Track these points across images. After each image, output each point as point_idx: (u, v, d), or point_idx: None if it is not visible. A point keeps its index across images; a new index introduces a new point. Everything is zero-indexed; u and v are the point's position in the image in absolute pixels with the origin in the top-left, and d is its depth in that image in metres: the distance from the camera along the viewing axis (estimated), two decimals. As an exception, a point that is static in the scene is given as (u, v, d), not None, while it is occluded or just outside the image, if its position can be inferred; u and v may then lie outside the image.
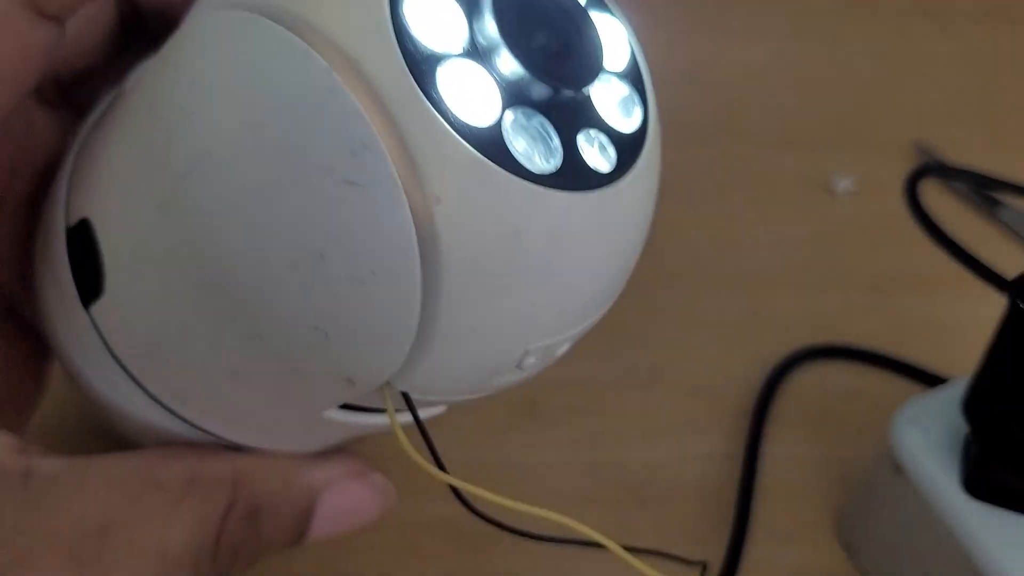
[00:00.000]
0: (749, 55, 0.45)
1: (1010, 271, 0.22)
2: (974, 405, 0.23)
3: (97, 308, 0.18)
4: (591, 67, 0.16)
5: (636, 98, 0.17)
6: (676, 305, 0.34)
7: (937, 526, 0.24)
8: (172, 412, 0.19)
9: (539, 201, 0.15)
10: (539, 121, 0.15)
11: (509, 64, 0.15)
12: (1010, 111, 0.43)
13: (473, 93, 0.15)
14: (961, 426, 0.24)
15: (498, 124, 0.15)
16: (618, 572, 0.28)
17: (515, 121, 0.15)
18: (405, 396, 0.17)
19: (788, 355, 0.33)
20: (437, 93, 0.14)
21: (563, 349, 0.18)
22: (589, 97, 0.16)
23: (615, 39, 0.17)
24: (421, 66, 0.14)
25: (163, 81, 0.16)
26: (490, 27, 0.15)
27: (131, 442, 0.21)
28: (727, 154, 0.40)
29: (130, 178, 0.17)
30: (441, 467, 0.17)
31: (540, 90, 0.15)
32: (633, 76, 0.17)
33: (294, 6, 0.14)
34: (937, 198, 0.36)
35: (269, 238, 0.15)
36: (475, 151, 0.14)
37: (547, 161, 0.15)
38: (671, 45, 0.45)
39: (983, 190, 0.37)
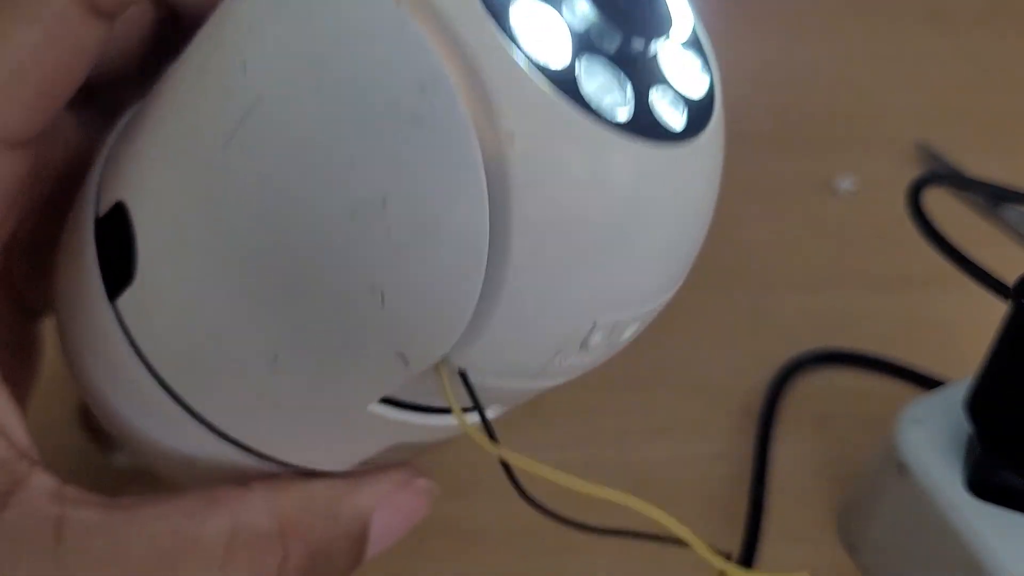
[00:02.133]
0: (750, 55, 0.45)
1: (1013, 270, 0.22)
2: (977, 405, 0.23)
3: (124, 299, 0.17)
4: (660, 21, 0.15)
5: (702, 65, 0.16)
6: (677, 304, 0.34)
7: (940, 526, 0.24)
8: (200, 419, 0.18)
9: (616, 148, 0.14)
10: (611, 70, 0.14)
11: (582, 8, 0.14)
12: (1010, 111, 0.43)
13: (546, 33, 0.14)
14: (964, 426, 0.24)
15: (571, 67, 0.14)
16: (631, 571, 0.28)
17: (588, 67, 0.14)
18: (462, 375, 0.15)
19: (792, 359, 0.33)
20: (510, 30, 0.14)
21: (630, 332, 0.17)
22: (657, 57, 0.15)
23: (679, 8, 0.16)
24: (493, 4, 0.14)
25: (210, 36, 0.16)
26: None
27: (143, 461, 0.20)
28: (729, 155, 0.40)
29: (174, 145, 0.16)
30: (493, 438, 0.16)
31: (611, 40, 0.14)
32: (696, 46, 0.16)
33: None
34: (939, 196, 0.36)
35: (327, 185, 0.14)
36: (551, 89, 0.14)
37: (620, 110, 0.14)
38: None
39: (987, 196, 0.37)
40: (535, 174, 0.14)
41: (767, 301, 0.35)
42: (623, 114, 0.14)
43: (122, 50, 0.20)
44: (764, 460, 0.30)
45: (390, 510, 0.19)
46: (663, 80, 0.15)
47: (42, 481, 0.16)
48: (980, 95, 0.43)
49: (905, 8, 0.47)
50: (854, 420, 0.32)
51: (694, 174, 0.16)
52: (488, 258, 0.14)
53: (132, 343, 0.17)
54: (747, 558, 0.28)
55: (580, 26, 0.14)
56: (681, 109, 0.15)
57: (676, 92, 0.15)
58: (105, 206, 0.18)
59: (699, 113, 0.16)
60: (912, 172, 0.37)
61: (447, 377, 0.15)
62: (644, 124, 0.15)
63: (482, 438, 0.16)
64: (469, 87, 0.13)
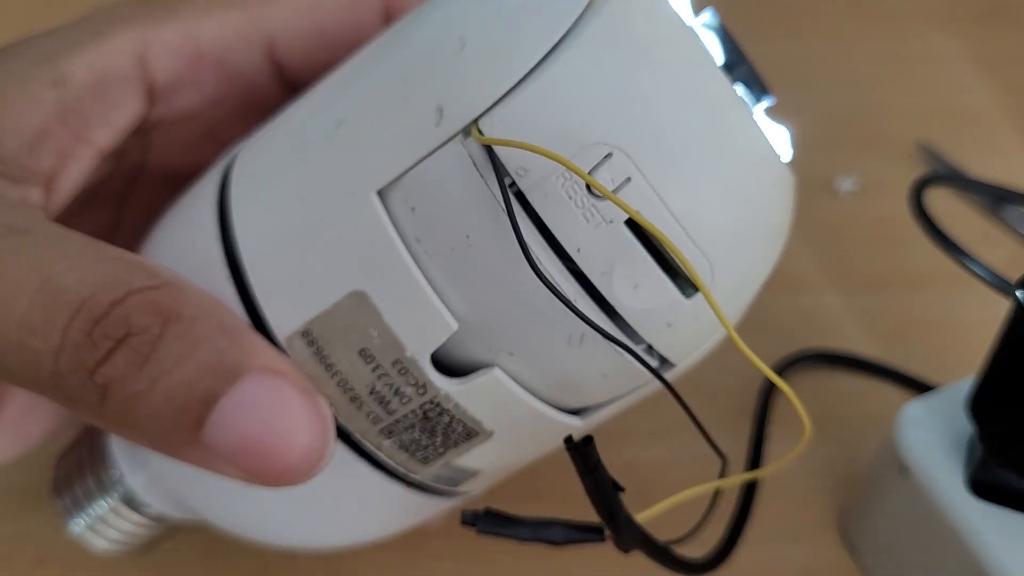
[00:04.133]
0: (749, 55, 0.45)
1: (1015, 269, 0.22)
2: (979, 405, 0.23)
3: None
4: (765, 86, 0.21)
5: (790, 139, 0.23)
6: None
7: (941, 527, 0.24)
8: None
9: (698, 52, 0.20)
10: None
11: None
12: (1010, 111, 0.43)
13: None
14: (966, 426, 0.24)
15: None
16: (618, 570, 0.28)
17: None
18: (490, 151, 0.17)
19: (784, 358, 0.32)
20: None
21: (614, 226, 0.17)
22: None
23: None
24: None
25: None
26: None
27: None
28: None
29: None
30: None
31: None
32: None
33: None
34: (941, 196, 0.36)
35: None
36: None
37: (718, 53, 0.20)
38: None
39: (988, 196, 0.37)
40: (624, 8, 0.17)
41: (766, 301, 0.35)
42: (719, 56, 0.20)
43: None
44: (758, 460, 0.30)
45: (271, 392, 0.14)
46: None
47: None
48: (980, 95, 0.43)
49: (906, 8, 0.47)
50: (853, 420, 0.31)
51: (773, 187, 0.21)
52: (560, 39, 0.17)
53: None
54: (724, 552, 0.28)
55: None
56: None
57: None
58: None
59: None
60: (913, 172, 0.37)
61: (476, 136, 0.17)
62: (739, 76, 0.21)
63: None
64: None
